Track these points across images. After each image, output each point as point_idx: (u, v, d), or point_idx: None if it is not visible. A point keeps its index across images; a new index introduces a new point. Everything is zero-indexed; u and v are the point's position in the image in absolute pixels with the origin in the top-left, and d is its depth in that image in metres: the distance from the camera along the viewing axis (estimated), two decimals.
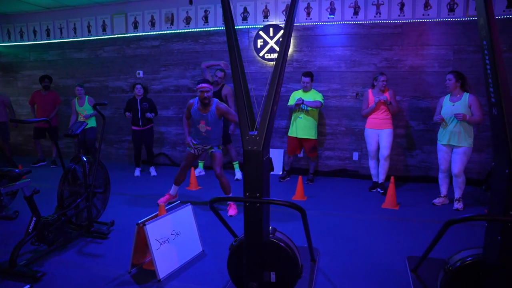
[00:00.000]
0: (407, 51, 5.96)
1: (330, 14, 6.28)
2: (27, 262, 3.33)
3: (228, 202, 4.62)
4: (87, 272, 3.24)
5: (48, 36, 8.20)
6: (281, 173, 6.54)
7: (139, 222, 3.02)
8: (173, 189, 4.96)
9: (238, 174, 6.32)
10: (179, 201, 3.56)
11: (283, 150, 6.71)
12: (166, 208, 3.29)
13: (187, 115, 4.68)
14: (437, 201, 4.97)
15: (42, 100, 7.46)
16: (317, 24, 6.35)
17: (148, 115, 6.37)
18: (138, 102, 6.45)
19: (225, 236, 3.88)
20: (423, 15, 5.81)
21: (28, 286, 2.10)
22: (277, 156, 6.70)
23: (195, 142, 4.64)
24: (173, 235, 3.24)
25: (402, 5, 5.90)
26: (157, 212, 3.23)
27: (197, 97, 4.47)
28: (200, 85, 4.30)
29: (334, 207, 4.95)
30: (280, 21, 6.50)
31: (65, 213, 3.66)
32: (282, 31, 6.37)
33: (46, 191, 4.24)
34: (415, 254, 3.45)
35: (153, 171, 6.78)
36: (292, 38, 6.37)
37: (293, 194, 5.32)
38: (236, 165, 6.37)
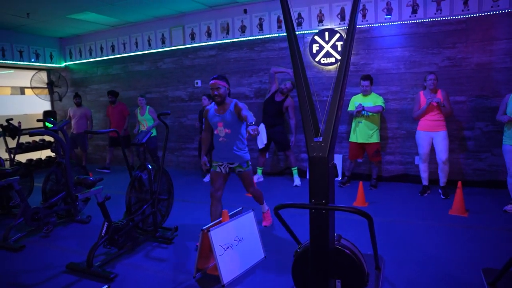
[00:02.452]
0: (472, 48, 5.62)
1: (386, 15, 6.10)
2: (101, 263, 3.55)
3: (263, 212, 4.53)
4: (155, 275, 3.37)
5: (113, 51, 8.72)
6: (340, 178, 6.42)
7: (204, 228, 3.10)
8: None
9: (297, 181, 6.29)
10: (241, 208, 3.61)
11: (341, 155, 6.59)
12: (229, 214, 3.35)
13: (206, 127, 4.13)
14: (509, 208, 4.62)
15: (112, 112, 8.08)
16: (374, 26, 6.20)
17: None
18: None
19: (287, 242, 3.89)
20: (491, 7, 5.46)
21: (106, 286, 2.24)
22: (336, 161, 6.60)
23: (217, 160, 3.98)
24: (236, 241, 3.29)
25: None
26: (221, 218, 3.29)
27: (213, 102, 3.96)
28: (211, 81, 3.80)
29: (397, 213, 4.77)
30: (335, 25, 6.42)
31: (133, 218, 3.85)
32: (337, 35, 6.32)
33: (113, 197, 4.49)
34: (490, 265, 3.22)
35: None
36: None
37: (354, 200, 5.20)
38: (295, 171, 6.34)
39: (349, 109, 5.88)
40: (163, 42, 8.00)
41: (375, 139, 5.80)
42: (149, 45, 8.18)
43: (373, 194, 5.67)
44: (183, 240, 4.13)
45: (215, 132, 3.90)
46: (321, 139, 2.21)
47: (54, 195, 4.79)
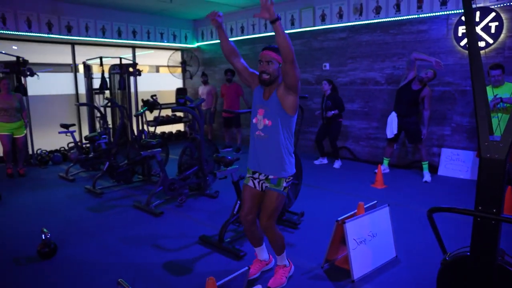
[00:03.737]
0: None
1: None
2: (230, 240, 3.69)
3: (277, 265, 3.03)
4: None
5: (242, 32, 8.98)
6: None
7: (339, 219, 2.99)
8: (259, 253, 3.11)
9: (427, 176, 5.77)
10: (375, 201, 3.40)
11: (473, 152, 5.83)
12: (364, 207, 3.17)
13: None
14: None
15: (227, 91, 8.24)
16: None
17: (328, 113, 6.49)
18: (324, 99, 6.67)
19: (419, 244, 3.60)
20: None
21: (260, 286, 2.32)
22: (471, 159, 5.90)
23: (250, 167, 2.89)
24: (370, 236, 3.11)
25: None
26: (355, 211, 3.14)
27: None
28: (263, 51, 2.68)
29: None
30: (490, 2, 5.59)
31: None
32: (492, 14, 5.54)
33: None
34: None
35: (336, 165, 6.81)
36: (504, 20, 5.45)
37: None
38: (425, 166, 5.82)
39: None
40: (292, 24, 7.94)
41: None
42: None
43: None
44: (308, 226, 4.09)
45: (254, 121, 2.81)
46: (498, 139, 1.89)
47: (188, 168, 5.14)
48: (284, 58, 2.44)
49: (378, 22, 6.72)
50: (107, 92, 7.88)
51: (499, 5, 5.52)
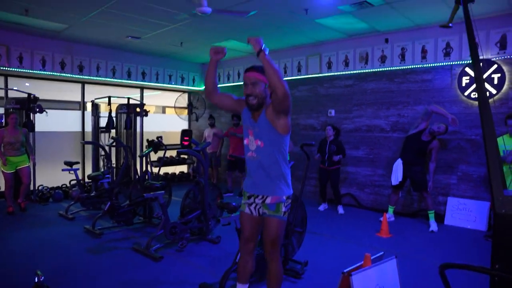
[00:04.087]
0: None
1: None
2: None
3: None
4: None
5: None
6: (486, 230, 5.58)
7: (345, 271, 2.87)
8: None
9: (434, 226, 5.63)
10: (382, 252, 3.29)
11: (488, 203, 5.72)
12: (371, 258, 3.06)
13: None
14: None
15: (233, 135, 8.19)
16: None
17: (335, 158, 6.53)
18: (328, 143, 6.66)
19: None
20: None
21: None
22: (479, 209, 5.78)
23: (246, 190, 2.82)
24: None
25: None
26: (362, 263, 3.03)
27: None
28: (246, 72, 2.65)
29: None
30: (492, 55, 5.71)
31: None
32: (495, 66, 5.65)
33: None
34: None
35: (340, 210, 6.74)
36: (506, 72, 5.52)
37: None
38: (431, 215, 5.70)
39: None
40: (299, 70, 8.10)
41: None
42: (285, 72, 8.35)
43: None
44: (312, 276, 3.94)
45: (245, 142, 2.78)
46: None
47: (191, 212, 5.05)
48: (276, 92, 2.39)
49: (383, 70, 6.84)
50: (113, 131, 7.93)
51: (500, 58, 5.62)
